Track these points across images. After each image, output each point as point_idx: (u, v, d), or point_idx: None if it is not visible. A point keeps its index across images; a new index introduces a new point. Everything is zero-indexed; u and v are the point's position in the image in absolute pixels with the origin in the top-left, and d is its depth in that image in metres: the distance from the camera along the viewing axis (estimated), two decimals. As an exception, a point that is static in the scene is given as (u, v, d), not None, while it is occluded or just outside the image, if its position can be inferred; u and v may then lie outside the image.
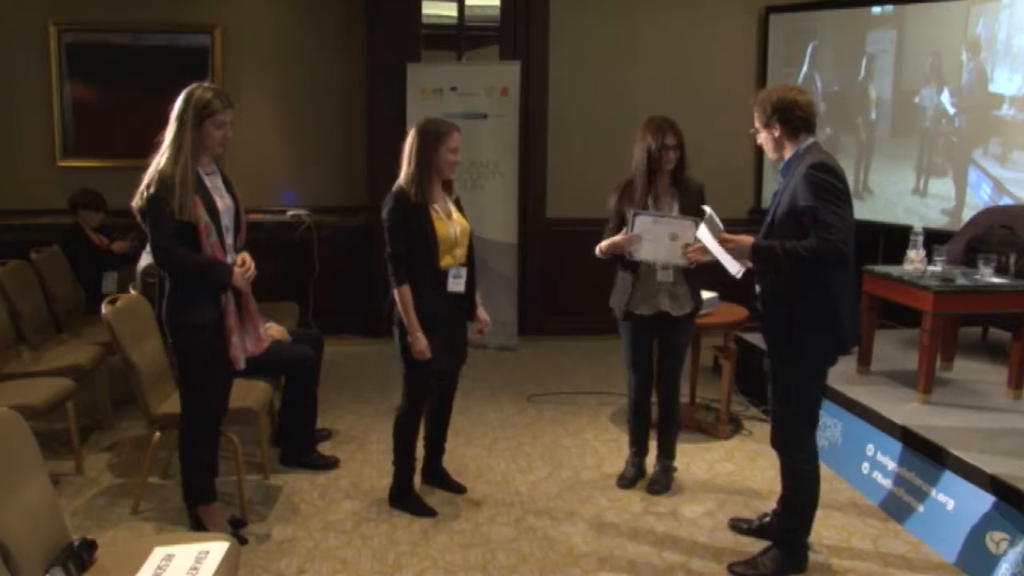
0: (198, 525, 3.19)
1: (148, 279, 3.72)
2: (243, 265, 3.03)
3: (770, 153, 2.96)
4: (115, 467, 3.92)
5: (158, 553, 2.31)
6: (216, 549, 2.33)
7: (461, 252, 3.39)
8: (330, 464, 3.92)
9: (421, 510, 3.48)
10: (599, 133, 6.36)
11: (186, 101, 2.92)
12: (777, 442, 3.04)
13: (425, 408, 3.52)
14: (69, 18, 6.07)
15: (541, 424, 4.56)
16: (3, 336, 4.11)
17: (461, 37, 6.46)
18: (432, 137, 3.26)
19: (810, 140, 2.87)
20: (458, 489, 3.69)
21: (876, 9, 5.92)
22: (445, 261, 3.32)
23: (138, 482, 3.50)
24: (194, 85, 2.98)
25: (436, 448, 3.73)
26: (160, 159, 2.92)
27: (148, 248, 3.84)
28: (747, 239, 2.85)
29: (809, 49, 6.27)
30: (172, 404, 3.47)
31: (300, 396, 3.91)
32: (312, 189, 6.37)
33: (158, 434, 3.42)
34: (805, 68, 6.30)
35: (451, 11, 6.40)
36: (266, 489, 3.69)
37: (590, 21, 6.34)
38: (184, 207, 2.86)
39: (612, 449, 4.18)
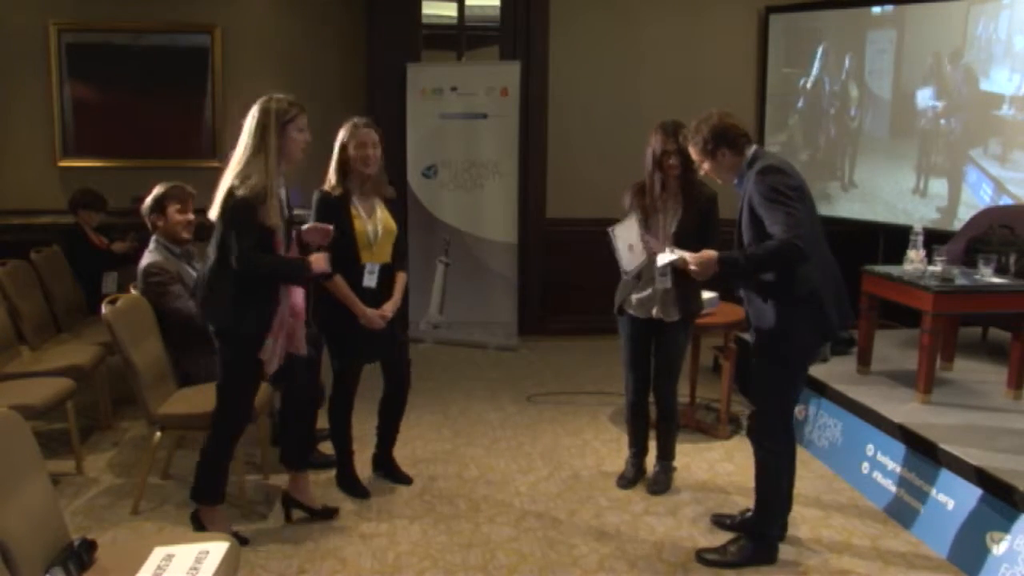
0: (199, 526, 3.19)
1: (150, 278, 3.73)
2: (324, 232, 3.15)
3: (724, 177, 3.01)
4: (115, 467, 3.92)
5: (158, 553, 2.31)
6: (216, 549, 2.33)
7: (381, 251, 3.49)
8: (331, 463, 3.90)
9: (354, 491, 3.62)
10: (599, 133, 6.36)
11: (265, 110, 2.98)
12: (752, 431, 3.12)
13: (380, 402, 3.74)
14: (69, 18, 6.08)
15: (541, 424, 4.56)
16: (3, 336, 4.11)
17: (461, 37, 6.46)
18: (346, 134, 3.43)
19: (753, 147, 2.96)
20: (404, 480, 3.77)
21: (876, 9, 5.92)
22: (364, 257, 3.44)
23: (138, 482, 3.50)
24: (266, 96, 3.03)
25: (385, 439, 3.81)
26: (243, 167, 2.95)
27: (151, 247, 3.85)
28: (711, 253, 2.94)
29: (819, 52, 6.23)
30: (172, 404, 3.48)
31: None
32: (312, 189, 6.34)
33: (158, 434, 3.42)
34: (815, 71, 6.25)
35: (451, 11, 6.40)
36: (266, 489, 3.69)
37: (590, 21, 6.35)
38: (272, 214, 2.94)
39: (612, 449, 4.18)
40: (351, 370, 3.57)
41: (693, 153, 3.03)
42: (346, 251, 3.40)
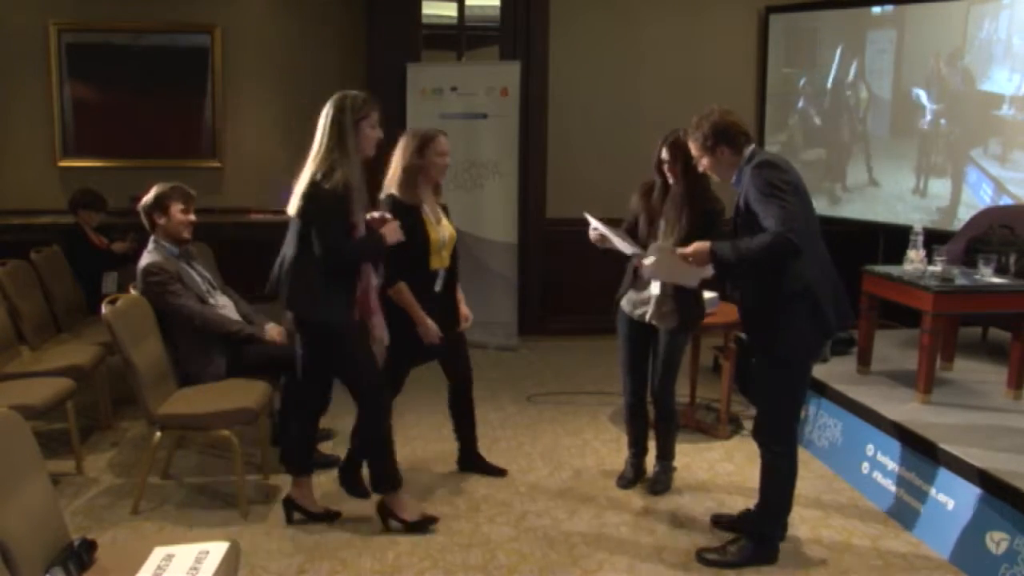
0: (390, 515, 3.29)
1: (149, 278, 3.73)
2: (383, 220, 3.17)
3: (722, 174, 3.01)
4: (115, 467, 3.92)
5: (158, 553, 2.31)
6: (216, 549, 2.33)
7: (447, 255, 3.54)
8: (331, 463, 3.91)
9: (355, 491, 3.53)
10: (599, 133, 6.36)
11: (340, 107, 3.04)
12: (757, 433, 3.11)
13: (448, 402, 3.82)
14: (69, 18, 6.08)
15: (541, 424, 4.56)
16: (3, 336, 4.11)
17: (461, 37, 6.46)
18: (421, 141, 3.40)
19: (751, 147, 2.96)
20: (497, 472, 3.83)
21: (876, 9, 5.92)
22: (434, 263, 3.46)
23: (138, 482, 3.50)
24: (341, 93, 3.09)
25: (466, 437, 3.87)
26: (322, 162, 3.00)
27: (149, 247, 3.85)
28: (704, 244, 2.91)
29: (837, 54, 6.14)
30: (172, 404, 3.48)
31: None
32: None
33: (158, 434, 3.42)
34: (834, 72, 6.17)
35: (451, 11, 6.40)
36: (266, 489, 3.69)
37: (590, 21, 6.35)
38: (355, 208, 3.01)
39: (612, 449, 4.18)
40: (402, 372, 3.57)
41: (693, 148, 3.01)
42: (417, 258, 3.40)
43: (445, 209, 3.61)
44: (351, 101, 3.05)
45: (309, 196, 3.00)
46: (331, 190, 2.96)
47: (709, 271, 3.04)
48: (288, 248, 3.13)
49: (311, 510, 3.38)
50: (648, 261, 3.16)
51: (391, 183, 3.42)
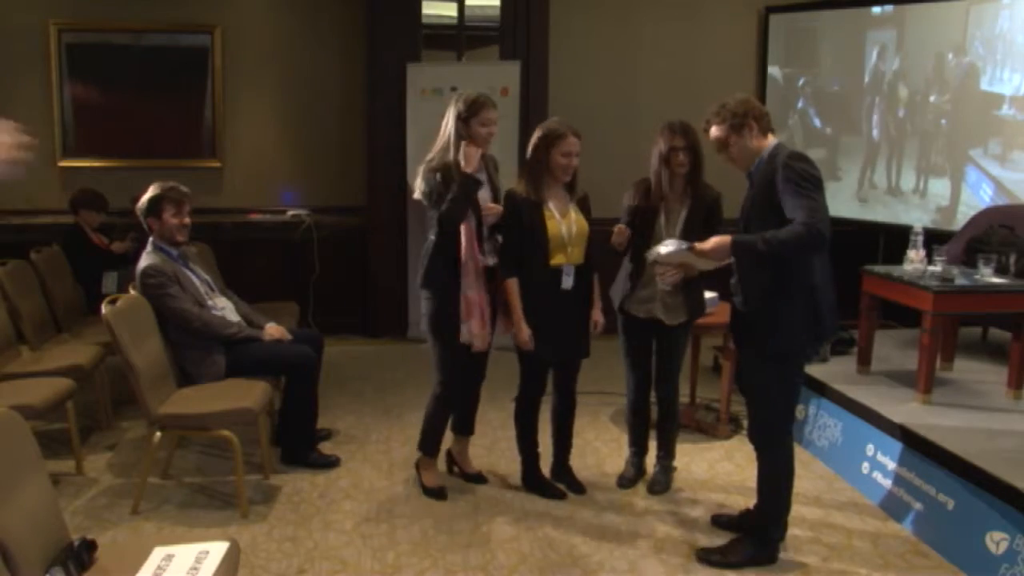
0: (418, 472, 3.68)
1: (147, 279, 3.72)
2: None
3: (744, 158, 2.95)
4: (115, 467, 3.92)
5: (158, 553, 2.31)
6: (216, 549, 2.33)
7: (576, 251, 3.43)
8: (331, 463, 3.91)
9: (550, 492, 3.64)
10: (599, 133, 6.34)
11: (457, 104, 3.40)
12: (754, 437, 3.11)
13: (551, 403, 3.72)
14: (69, 18, 6.07)
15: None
16: (3, 336, 4.11)
17: (461, 37, 6.46)
18: (547, 139, 3.38)
19: (776, 141, 2.93)
20: (579, 489, 3.69)
21: (876, 9, 5.92)
22: (556, 259, 3.39)
23: (138, 482, 3.50)
24: (462, 91, 3.46)
25: (560, 444, 3.74)
26: (432, 156, 3.41)
27: (148, 249, 3.85)
28: (724, 238, 2.87)
29: (875, 53, 6.02)
30: (172, 404, 3.48)
31: (300, 396, 3.90)
32: (312, 189, 6.38)
33: (158, 434, 3.42)
34: (834, 72, 6.15)
35: (451, 11, 6.40)
36: (266, 489, 3.69)
37: (590, 21, 6.35)
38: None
39: (612, 449, 4.18)
40: (535, 370, 3.56)
41: (717, 130, 2.94)
42: (533, 253, 3.36)
43: (584, 203, 3.53)
44: (464, 100, 3.36)
45: (421, 178, 3.39)
46: (432, 171, 3.35)
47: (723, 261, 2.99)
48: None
49: (466, 469, 3.83)
50: (662, 250, 3.05)
51: (519, 178, 3.46)
